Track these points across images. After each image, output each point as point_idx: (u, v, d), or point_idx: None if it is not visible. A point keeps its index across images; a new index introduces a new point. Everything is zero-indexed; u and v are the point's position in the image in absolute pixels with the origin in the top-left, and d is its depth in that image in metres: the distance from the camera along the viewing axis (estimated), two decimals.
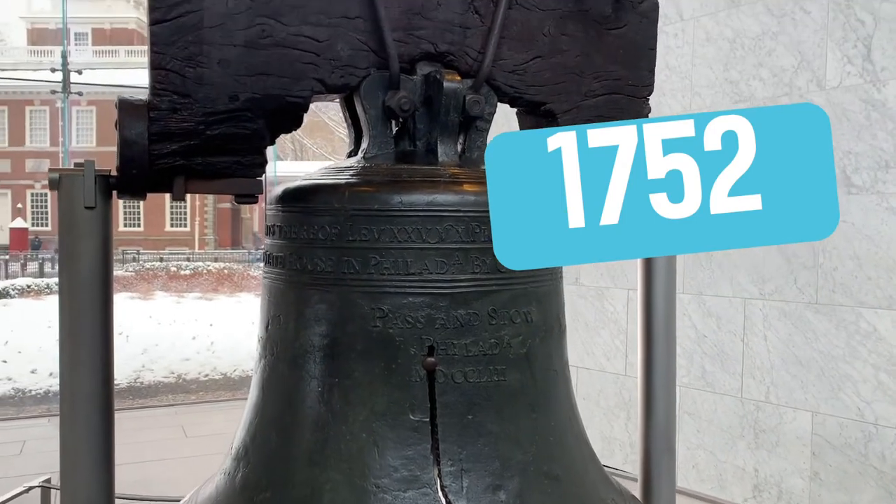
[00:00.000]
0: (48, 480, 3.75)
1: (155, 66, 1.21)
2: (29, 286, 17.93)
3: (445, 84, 1.33)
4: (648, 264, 1.60)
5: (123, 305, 13.94)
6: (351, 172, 1.32)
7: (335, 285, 1.26)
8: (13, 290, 17.28)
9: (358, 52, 1.32)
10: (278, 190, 1.40)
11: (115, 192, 1.27)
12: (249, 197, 1.33)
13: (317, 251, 1.28)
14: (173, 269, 23.94)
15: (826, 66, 3.47)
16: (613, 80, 1.50)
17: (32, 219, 44.61)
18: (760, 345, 3.73)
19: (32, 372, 9.39)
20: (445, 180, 1.29)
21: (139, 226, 44.81)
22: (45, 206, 44.79)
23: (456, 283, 1.25)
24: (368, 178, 1.30)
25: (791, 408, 3.60)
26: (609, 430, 4.48)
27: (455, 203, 1.26)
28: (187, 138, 1.23)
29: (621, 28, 1.49)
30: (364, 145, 1.38)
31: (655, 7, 1.52)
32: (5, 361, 9.86)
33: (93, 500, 1.25)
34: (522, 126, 1.57)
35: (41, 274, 23.77)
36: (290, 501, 1.23)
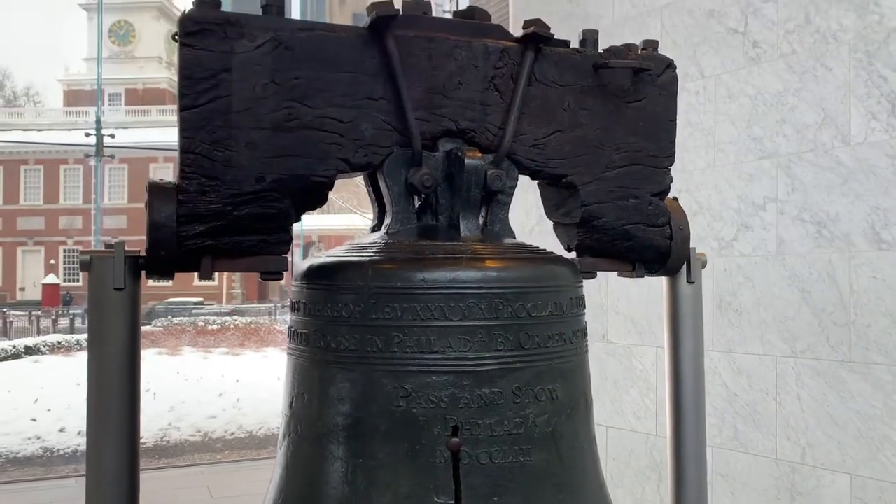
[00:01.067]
0: None
1: (184, 150, 1.23)
2: (59, 342, 18.13)
3: (467, 161, 1.35)
4: (675, 321, 1.58)
5: (151, 361, 14.03)
6: (374, 249, 1.33)
7: (359, 364, 1.26)
8: (44, 346, 17.48)
9: (381, 131, 1.34)
10: (302, 266, 1.41)
11: (143, 273, 1.29)
12: (275, 274, 1.34)
13: (340, 329, 1.28)
14: (201, 323, 24.12)
15: (850, 122, 3.45)
16: (634, 151, 1.50)
17: (64, 274, 45.42)
18: (794, 404, 3.63)
19: (61, 430, 9.42)
20: (468, 257, 1.29)
21: (167, 280, 45.31)
22: (77, 263, 45.59)
23: (479, 361, 1.24)
24: (391, 256, 1.30)
25: (829, 470, 3.49)
26: (640, 492, 4.36)
27: (477, 280, 1.26)
28: (215, 219, 1.25)
29: (640, 101, 1.50)
30: (387, 221, 1.39)
31: (674, 80, 1.53)
32: (34, 420, 9.91)
33: None
34: (544, 196, 1.58)
35: (72, 330, 24.06)
36: None
